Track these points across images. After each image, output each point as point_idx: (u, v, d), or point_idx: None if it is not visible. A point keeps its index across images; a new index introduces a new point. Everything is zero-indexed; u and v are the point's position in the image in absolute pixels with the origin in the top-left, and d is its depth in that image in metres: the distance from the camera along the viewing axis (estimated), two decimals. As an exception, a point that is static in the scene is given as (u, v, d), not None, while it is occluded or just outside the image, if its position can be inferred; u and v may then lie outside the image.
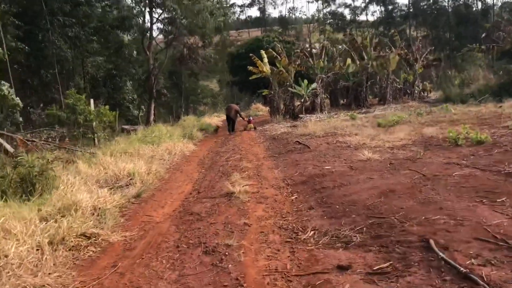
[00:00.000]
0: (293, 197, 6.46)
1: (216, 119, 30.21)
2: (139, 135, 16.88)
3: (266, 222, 5.35)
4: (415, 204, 4.99)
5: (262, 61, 24.74)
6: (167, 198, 7.50)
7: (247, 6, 78.77)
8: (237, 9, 77.65)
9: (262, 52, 25.54)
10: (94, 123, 15.77)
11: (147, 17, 23.19)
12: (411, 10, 72.60)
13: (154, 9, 22.63)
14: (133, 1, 21.95)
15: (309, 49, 26.40)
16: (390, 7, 76.46)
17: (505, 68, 24.04)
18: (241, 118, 22.54)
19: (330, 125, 15.66)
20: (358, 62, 27.34)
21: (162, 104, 41.32)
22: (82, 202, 6.20)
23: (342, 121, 17.22)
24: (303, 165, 8.71)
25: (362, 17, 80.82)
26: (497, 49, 24.74)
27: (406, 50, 28.07)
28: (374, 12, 79.57)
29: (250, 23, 78.30)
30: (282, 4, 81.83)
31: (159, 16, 23.37)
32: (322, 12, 79.89)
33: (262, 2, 78.50)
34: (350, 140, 11.32)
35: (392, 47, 28.79)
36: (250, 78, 26.29)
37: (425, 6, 73.94)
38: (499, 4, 66.72)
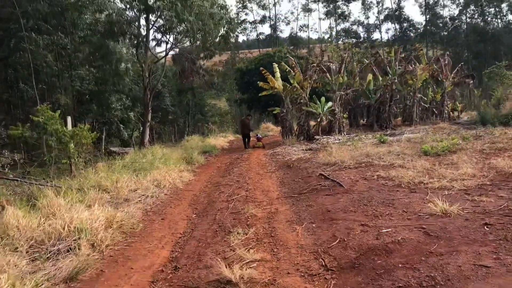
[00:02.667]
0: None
1: (222, 140, 27.26)
2: (126, 160, 14.05)
3: None
4: None
5: (274, 76, 21.92)
6: (119, 284, 4.48)
7: (259, 23, 75.80)
8: (248, 25, 75.12)
9: (275, 65, 22.75)
10: (70, 147, 12.88)
11: (143, 23, 20.29)
12: (428, 27, 69.77)
13: (150, 15, 19.83)
14: (126, 4, 19.13)
15: (326, 64, 23.42)
16: (405, 25, 73.73)
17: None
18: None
19: (359, 151, 12.56)
20: (380, 78, 24.43)
21: (168, 123, 38.66)
22: None
23: (372, 146, 14.13)
24: (342, 221, 5.63)
25: (376, 35, 77.88)
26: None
27: (434, 65, 25.03)
28: (388, 30, 76.35)
29: (261, 42, 75.56)
30: (294, 20, 79.11)
31: (154, 23, 20.47)
32: (335, 30, 77.27)
33: (273, 18, 76.05)
34: (398, 175, 8.22)
35: (417, 63, 25.80)
36: (260, 95, 23.43)
37: (441, 24, 71.31)
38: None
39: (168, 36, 21.41)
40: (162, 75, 23.27)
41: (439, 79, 25.48)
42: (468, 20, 68.29)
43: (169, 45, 21.84)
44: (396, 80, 23.67)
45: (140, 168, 12.72)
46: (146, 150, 16.84)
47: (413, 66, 24.58)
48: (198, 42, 21.66)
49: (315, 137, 20.98)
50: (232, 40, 27.84)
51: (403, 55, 25.77)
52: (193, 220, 7.25)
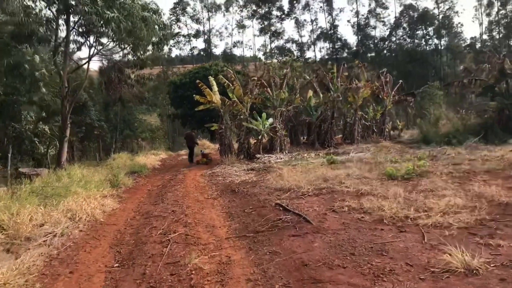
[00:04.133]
0: None
1: (153, 158, 24.93)
2: (36, 185, 11.54)
3: None
4: None
5: (211, 89, 20.18)
6: None
7: (193, 37, 74.28)
8: (182, 38, 73.37)
9: (211, 79, 21.00)
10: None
11: (61, 22, 17.60)
12: (360, 47, 71.90)
13: (72, 16, 17.21)
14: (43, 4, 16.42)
15: (267, 78, 22.10)
16: (338, 44, 75.45)
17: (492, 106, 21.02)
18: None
19: (313, 173, 11.10)
20: (321, 95, 23.57)
21: (93, 139, 35.55)
22: None
23: (324, 166, 12.78)
24: (332, 285, 3.95)
25: (309, 53, 79.02)
26: (480, 83, 21.70)
27: (376, 83, 24.63)
28: (322, 48, 77.78)
29: (195, 57, 73.87)
30: (228, 36, 78.59)
31: (75, 24, 17.76)
32: (268, 47, 77.50)
33: (207, 33, 74.80)
34: (373, 207, 6.75)
35: (356, 81, 25.28)
36: (197, 110, 21.52)
37: (372, 45, 73.81)
38: (445, 44, 67.35)
39: (90, 39, 18.87)
40: (83, 85, 20.56)
41: (380, 96, 25.09)
42: (398, 41, 71.22)
43: (93, 50, 19.31)
44: (340, 98, 22.89)
45: (52, 194, 10.37)
46: (63, 171, 14.37)
47: (354, 83, 23.99)
48: (129, 48, 19.31)
49: (256, 155, 19.51)
50: (166, 48, 25.66)
51: (346, 73, 25.12)
52: (114, 274, 5.28)
